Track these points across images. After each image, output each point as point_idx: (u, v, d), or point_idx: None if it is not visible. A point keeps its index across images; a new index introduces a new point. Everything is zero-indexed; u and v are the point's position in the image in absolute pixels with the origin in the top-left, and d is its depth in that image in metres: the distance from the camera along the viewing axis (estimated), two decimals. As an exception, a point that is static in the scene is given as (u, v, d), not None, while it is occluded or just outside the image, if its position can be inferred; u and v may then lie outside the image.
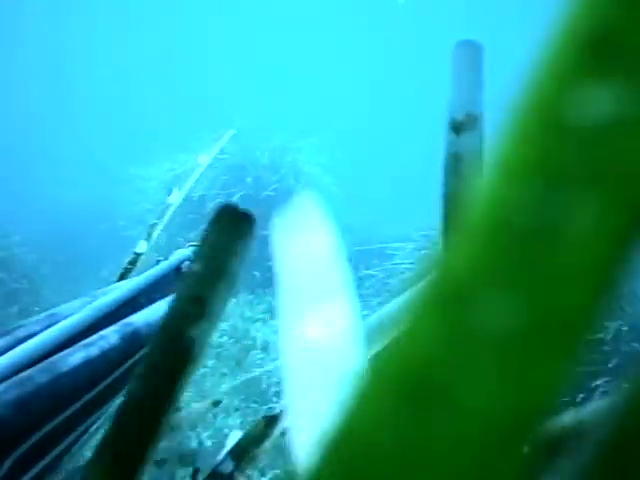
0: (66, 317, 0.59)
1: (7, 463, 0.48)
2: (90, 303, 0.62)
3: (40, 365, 0.52)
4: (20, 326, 0.58)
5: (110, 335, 0.56)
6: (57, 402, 0.51)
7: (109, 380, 0.55)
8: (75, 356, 0.54)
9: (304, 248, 0.27)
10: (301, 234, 0.27)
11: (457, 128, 0.38)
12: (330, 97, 15.05)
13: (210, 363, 5.13)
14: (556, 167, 0.13)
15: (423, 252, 5.74)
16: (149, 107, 14.04)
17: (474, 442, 0.13)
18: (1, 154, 9.98)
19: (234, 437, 0.48)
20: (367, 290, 5.88)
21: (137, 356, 0.59)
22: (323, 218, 0.27)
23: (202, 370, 5.13)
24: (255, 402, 4.56)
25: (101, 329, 0.57)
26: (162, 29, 16.74)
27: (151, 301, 0.65)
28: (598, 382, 3.81)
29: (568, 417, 0.33)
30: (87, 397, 0.54)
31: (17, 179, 9.89)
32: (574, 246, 0.13)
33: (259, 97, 13.81)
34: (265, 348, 5.49)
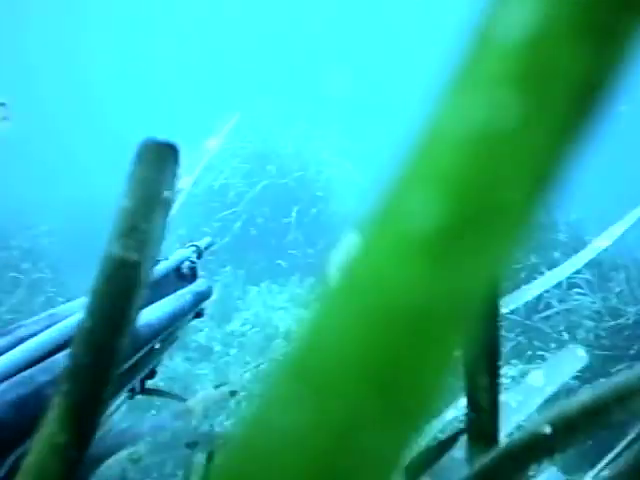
0: (66, 317, 0.59)
1: (7, 463, 0.49)
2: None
3: (40, 365, 0.52)
4: (20, 326, 0.58)
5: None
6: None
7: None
8: (75, 356, 0.54)
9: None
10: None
11: None
12: (355, 85, 15.01)
13: (233, 352, 5.16)
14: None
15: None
16: (172, 97, 14.09)
17: (404, 325, 0.14)
18: (27, 146, 10.05)
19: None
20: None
21: (137, 356, 0.60)
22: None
23: (225, 358, 5.16)
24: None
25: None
26: (180, 15, 16.77)
27: (151, 301, 0.65)
28: (620, 367, 3.80)
29: (585, 395, 0.34)
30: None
31: (42, 171, 9.97)
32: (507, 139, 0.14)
33: (281, 85, 13.80)
34: (288, 336, 5.49)
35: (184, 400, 0.74)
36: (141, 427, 0.69)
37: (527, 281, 0.96)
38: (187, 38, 16.48)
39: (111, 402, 0.62)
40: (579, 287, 4.30)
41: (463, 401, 0.57)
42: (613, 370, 3.78)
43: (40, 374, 0.51)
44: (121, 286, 0.31)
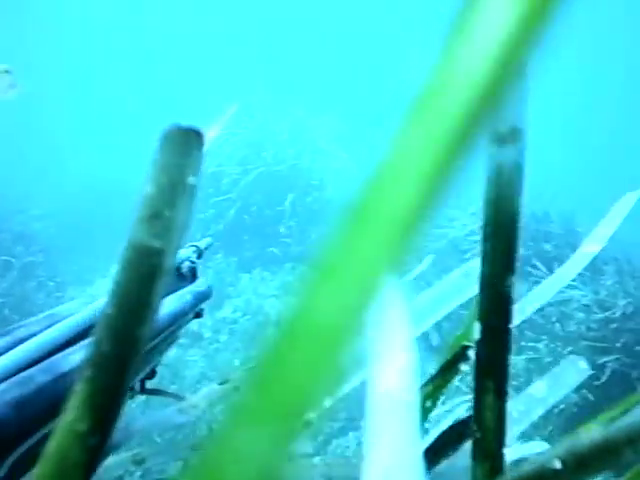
0: (66, 317, 0.59)
1: (7, 463, 0.49)
2: (90, 303, 0.63)
3: (40, 365, 0.53)
4: (20, 326, 0.59)
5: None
6: (57, 402, 0.51)
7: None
8: (75, 356, 0.54)
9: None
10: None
11: (500, 140, 0.40)
12: (354, 74, 14.98)
13: (223, 339, 5.16)
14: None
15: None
16: (168, 84, 14.03)
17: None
18: (17, 131, 10.00)
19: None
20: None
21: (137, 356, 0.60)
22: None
23: (215, 345, 5.17)
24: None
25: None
26: (181, 7, 16.70)
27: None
28: (607, 359, 3.82)
29: (597, 433, 0.34)
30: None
31: (34, 155, 9.92)
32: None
33: (277, 73, 13.75)
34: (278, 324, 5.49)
35: (182, 399, 0.75)
36: (145, 423, 0.69)
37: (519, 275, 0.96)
38: (183, 26, 16.41)
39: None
40: (571, 280, 4.31)
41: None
42: (601, 361, 3.81)
43: (40, 374, 0.51)
44: (144, 273, 0.31)
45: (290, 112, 7.88)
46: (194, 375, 4.72)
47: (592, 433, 0.34)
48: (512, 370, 0.42)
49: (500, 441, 0.41)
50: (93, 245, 7.22)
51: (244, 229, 6.92)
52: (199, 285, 0.75)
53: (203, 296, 0.75)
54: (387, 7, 16.95)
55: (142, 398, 0.80)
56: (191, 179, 0.31)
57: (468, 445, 0.43)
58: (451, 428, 0.57)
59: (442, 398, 0.60)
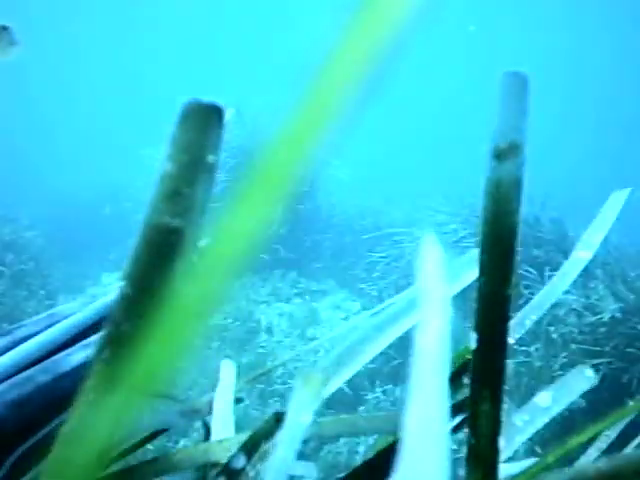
0: (66, 317, 0.59)
1: (7, 463, 0.49)
2: (90, 303, 0.63)
3: (40, 365, 0.53)
4: (20, 326, 0.59)
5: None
6: (57, 402, 0.51)
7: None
8: (75, 356, 0.54)
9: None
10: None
11: (500, 155, 0.40)
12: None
13: (214, 345, 5.15)
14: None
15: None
16: (151, 87, 14.01)
17: None
18: (7, 140, 9.97)
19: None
20: (377, 273, 5.92)
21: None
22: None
23: (206, 351, 5.15)
24: (260, 383, 4.58)
25: (101, 329, 0.58)
26: (173, 14, 16.69)
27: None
28: (598, 361, 3.84)
29: (603, 463, 0.34)
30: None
31: (24, 163, 9.89)
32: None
33: (268, 78, 13.75)
34: (269, 330, 5.51)
35: (181, 400, 0.74)
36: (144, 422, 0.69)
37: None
38: (177, 32, 16.42)
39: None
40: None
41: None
42: (591, 364, 3.82)
43: (40, 374, 0.51)
44: (162, 253, 0.31)
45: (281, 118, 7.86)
46: (185, 382, 4.70)
47: (598, 463, 0.34)
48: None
49: (495, 450, 0.41)
50: (83, 253, 7.21)
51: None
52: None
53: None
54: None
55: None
56: (211, 157, 0.31)
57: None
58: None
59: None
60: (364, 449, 4.00)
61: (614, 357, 3.87)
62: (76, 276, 6.52)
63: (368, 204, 7.69)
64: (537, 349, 4.17)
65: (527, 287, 4.23)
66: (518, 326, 0.75)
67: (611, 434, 0.80)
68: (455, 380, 0.59)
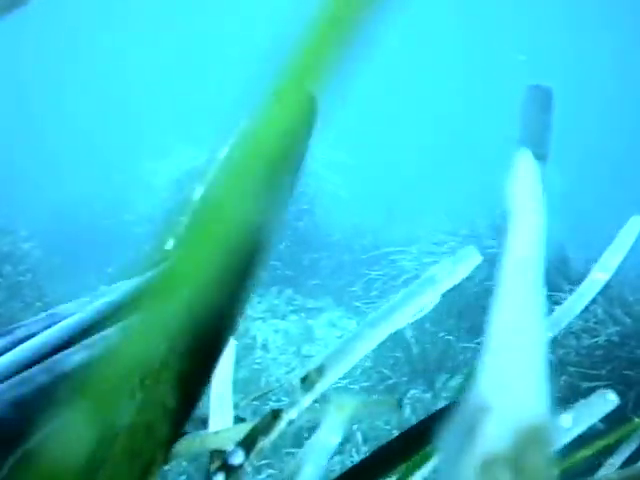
0: (66, 317, 0.59)
1: (7, 464, 0.48)
2: (90, 303, 0.62)
3: (40, 365, 0.52)
4: (20, 326, 0.58)
5: (111, 335, 0.57)
6: (57, 402, 0.51)
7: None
8: (75, 356, 0.54)
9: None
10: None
11: None
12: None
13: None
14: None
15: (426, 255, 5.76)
16: (153, 101, 14.05)
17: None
18: (6, 150, 9.99)
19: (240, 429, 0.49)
20: (374, 292, 5.92)
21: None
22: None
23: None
24: (254, 400, 4.56)
25: (102, 329, 0.57)
26: (173, 27, 16.78)
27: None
28: (594, 384, 3.83)
29: (614, 475, 0.34)
30: (86, 398, 0.54)
31: (23, 174, 9.91)
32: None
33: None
34: (265, 347, 5.50)
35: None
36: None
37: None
38: (187, 47, 16.48)
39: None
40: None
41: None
42: (587, 387, 3.82)
43: (40, 374, 0.51)
44: (247, 249, 0.31)
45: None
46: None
47: (609, 475, 0.33)
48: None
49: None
50: (82, 266, 7.20)
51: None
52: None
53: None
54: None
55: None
56: (301, 146, 0.30)
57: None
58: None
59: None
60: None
61: (611, 380, 3.86)
62: (74, 288, 6.51)
63: (367, 222, 7.70)
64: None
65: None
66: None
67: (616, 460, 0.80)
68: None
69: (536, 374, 0.18)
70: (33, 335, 0.55)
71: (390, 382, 4.62)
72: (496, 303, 0.20)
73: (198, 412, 0.67)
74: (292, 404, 0.48)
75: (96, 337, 0.56)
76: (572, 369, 4.03)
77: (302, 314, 6.23)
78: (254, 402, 4.53)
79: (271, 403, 4.54)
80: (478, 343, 5.01)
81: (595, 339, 4.09)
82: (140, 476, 0.31)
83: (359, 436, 4.14)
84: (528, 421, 0.17)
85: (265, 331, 5.77)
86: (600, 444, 0.62)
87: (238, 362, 5.27)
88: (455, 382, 4.67)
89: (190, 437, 0.49)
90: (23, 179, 9.69)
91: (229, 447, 0.47)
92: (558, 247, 5.46)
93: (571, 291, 0.76)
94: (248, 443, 0.48)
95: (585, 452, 0.58)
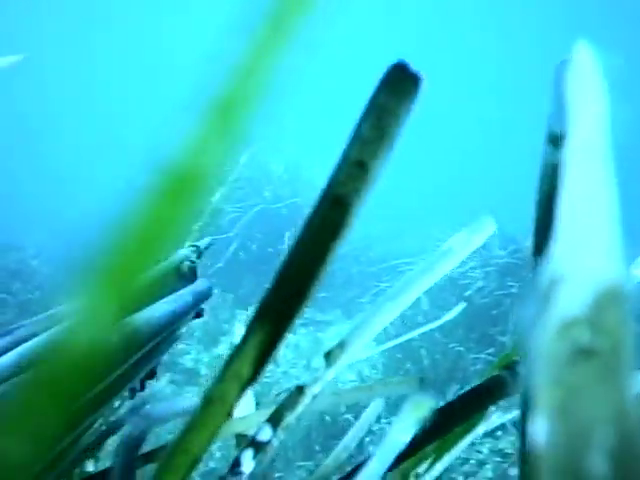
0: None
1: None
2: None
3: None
4: (20, 326, 0.58)
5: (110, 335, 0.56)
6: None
7: (110, 380, 0.55)
8: (75, 356, 0.53)
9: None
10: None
11: (555, 140, 0.41)
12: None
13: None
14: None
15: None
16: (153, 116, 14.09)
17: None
18: (13, 168, 10.04)
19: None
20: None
21: (137, 355, 0.59)
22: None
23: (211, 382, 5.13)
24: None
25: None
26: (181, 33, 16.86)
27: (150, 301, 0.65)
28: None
29: None
30: (87, 397, 0.53)
31: (30, 192, 9.95)
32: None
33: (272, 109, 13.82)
34: (275, 361, 5.48)
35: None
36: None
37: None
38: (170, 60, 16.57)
39: (111, 403, 0.61)
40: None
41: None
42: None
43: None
44: (331, 223, 0.32)
45: (288, 150, 7.88)
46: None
47: None
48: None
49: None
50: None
51: (240, 266, 6.91)
52: (199, 285, 0.74)
53: (203, 296, 0.74)
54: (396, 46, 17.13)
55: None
56: (396, 128, 0.30)
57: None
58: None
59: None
60: None
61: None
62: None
63: (376, 234, 7.69)
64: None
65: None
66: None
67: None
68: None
69: (610, 237, 0.19)
70: (33, 335, 0.55)
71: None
72: (565, 176, 0.20)
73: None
74: (316, 379, 0.50)
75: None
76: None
77: (311, 327, 6.22)
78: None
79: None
80: (489, 354, 4.99)
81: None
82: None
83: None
84: (604, 283, 0.18)
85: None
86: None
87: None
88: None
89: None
90: (30, 196, 9.73)
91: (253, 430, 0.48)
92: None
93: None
94: (275, 419, 0.49)
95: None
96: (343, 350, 0.50)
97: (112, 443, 0.86)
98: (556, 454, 0.16)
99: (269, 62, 0.20)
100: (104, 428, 0.71)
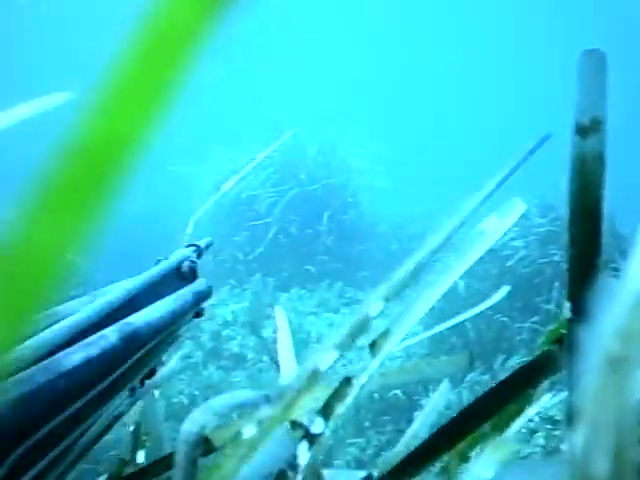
0: (66, 317, 0.59)
1: (8, 463, 0.49)
2: (90, 303, 0.63)
3: (40, 365, 0.53)
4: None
5: (110, 335, 0.57)
6: (57, 402, 0.52)
7: (109, 380, 0.56)
8: (75, 356, 0.55)
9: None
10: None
11: (583, 131, 0.43)
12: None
13: (266, 358, 5.17)
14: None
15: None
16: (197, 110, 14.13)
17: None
18: (17, 172, 10.16)
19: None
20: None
21: (137, 356, 0.60)
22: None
23: (258, 365, 5.18)
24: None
25: (101, 329, 0.58)
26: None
27: (151, 301, 0.66)
28: None
29: None
30: (87, 397, 0.54)
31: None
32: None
33: (305, 91, 13.78)
34: (320, 341, 5.49)
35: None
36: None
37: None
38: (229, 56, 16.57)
39: (111, 402, 0.62)
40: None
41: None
42: None
43: (40, 374, 0.51)
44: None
45: (322, 131, 7.82)
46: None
47: None
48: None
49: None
50: (94, 286, 7.24)
51: (280, 249, 6.93)
52: (199, 285, 0.75)
53: (203, 296, 0.75)
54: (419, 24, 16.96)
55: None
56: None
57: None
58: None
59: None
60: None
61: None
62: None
63: (412, 211, 7.65)
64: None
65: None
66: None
67: None
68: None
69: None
70: (33, 335, 0.56)
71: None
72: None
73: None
74: (362, 369, 0.51)
75: (96, 337, 0.57)
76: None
77: (354, 306, 6.21)
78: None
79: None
80: (533, 322, 4.94)
81: None
82: None
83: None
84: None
85: (319, 325, 5.78)
86: None
87: (295, 357, 5.27)
88: (512, 362, 4.61)
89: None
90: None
91: (306, 416, 0.49)
92: (608, 222, 5.33)
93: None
94: (326, 411, 0.51)
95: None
96: (387, 339, 0.51)
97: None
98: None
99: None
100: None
